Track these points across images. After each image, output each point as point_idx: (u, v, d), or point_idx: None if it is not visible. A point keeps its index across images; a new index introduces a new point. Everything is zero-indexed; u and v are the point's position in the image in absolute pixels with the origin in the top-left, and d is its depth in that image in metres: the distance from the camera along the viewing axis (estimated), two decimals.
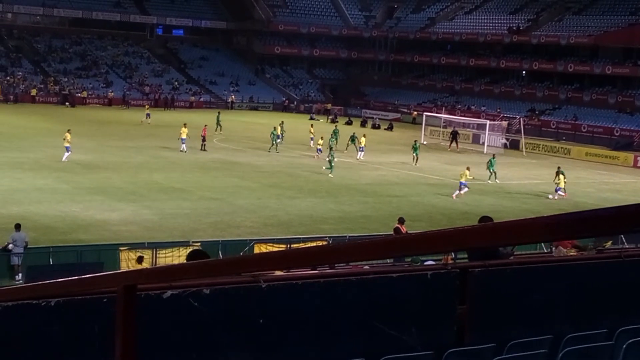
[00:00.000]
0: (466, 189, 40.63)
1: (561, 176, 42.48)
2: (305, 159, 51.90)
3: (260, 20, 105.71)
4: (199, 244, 25.69)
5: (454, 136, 65.53)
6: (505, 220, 2.23)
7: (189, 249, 24.78)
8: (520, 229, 2.16)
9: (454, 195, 40.29)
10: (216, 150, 53.24)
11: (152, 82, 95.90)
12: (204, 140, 52.49)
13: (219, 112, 68.42)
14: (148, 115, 68.82)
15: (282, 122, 61.31)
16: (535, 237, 2.18)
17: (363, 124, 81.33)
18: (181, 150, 49.81)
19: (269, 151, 53.38)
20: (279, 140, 56.89)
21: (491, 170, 46.09)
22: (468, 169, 41.36)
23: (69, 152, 44.48)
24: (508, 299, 6.28)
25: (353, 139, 55.07)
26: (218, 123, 63.92)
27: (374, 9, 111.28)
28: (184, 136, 50.60)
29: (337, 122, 77.75)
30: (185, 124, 52.07)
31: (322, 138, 52.89)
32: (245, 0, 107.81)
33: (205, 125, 53.78)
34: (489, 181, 45.46)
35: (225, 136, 61.39)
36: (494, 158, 47.37)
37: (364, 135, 55.59)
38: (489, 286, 6.18)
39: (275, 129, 54.95)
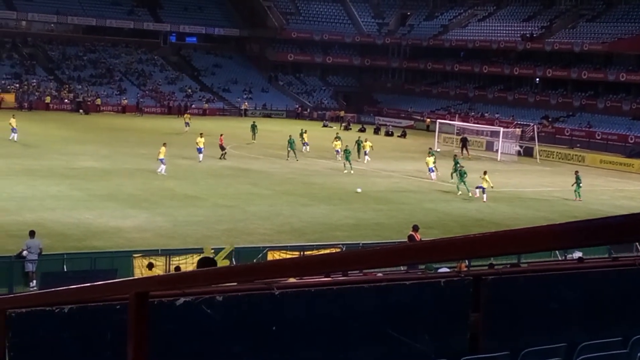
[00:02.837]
0: (477, 191, 41.28)
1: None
2: (319, 166, 51.88)
3: (273, 28, 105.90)
4: (212, 251, 25.71)
5: (464, 143, 65.42)
6: (518, 228, 2.22)
7: (202, 256, 24.84)
8: (533, 236, 2.15)
9: (476, 194, 40.93)
10: (229, 158, 53.25)
11: (165, 90, 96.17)
12: (222, 149, 52.35)
13: (254, 122, 68.02)
14: (187, 124, 68.61)
15: (305, 130, 61.03)
16: (548, 244, 2.17)
17: (376, 131, 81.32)
18: (200, 161, 49.59)
19: (288, 158, 53.33)
20: (307, 148, 57.14)
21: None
22: (485, 173, 41.66)
23: (164, 165, 44.25)
24: (522, 307, 6.26)
25: (359, 144, 55.43)
26: (254, 132, 63.94)
27: (387, 16, 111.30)
28: (200, 145, 50.37)
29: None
30: (201, 134, 51.89)
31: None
32: (258, 7, 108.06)
33: (222, 135, 53.75)
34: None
35: (238, 143, 61.47)
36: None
37: (366, 140, 55.94)
38: (503, 293, 6.16)
39: (291, 136, 54.90)
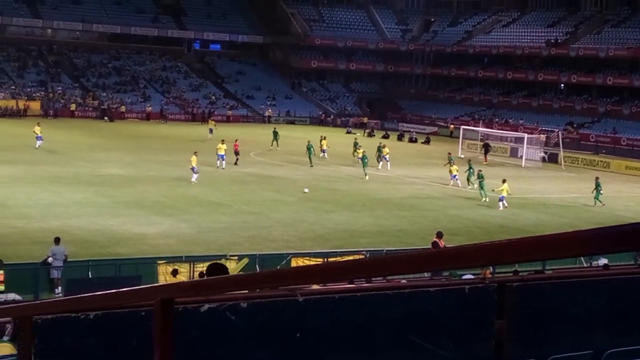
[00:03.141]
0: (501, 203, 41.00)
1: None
2: (342, 173, 51.85)
3: (296, 35, 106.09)
4: (236, 257, 25.78)
5: (486, 149, 65.25)
6: (543, 234, 2.22)
7: (226, 263, 24.90)
8: (558, 242, 2.14)
9: (500, 207, 40.73)
10: (253, 164, 53.41)
11: (189, 97, 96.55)
12: (237, 154, 52.53)
13: (275, 128, 68.25)
14: (211, 130, 68.81)
15: (325, 137, 61.07)
16: (573, 251, 2.16)
17: (400, 138, 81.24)
18: (218, 167, 49.68)
19: (312, 165, 53.32)
20: (325, 155, 57.31)
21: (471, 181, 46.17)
22: (504, 182, 41.43)
23: (197, 174, 44.17)
24: (547, 314, 6.22)
25: (379, 150, 55.45)
26: (275, 138, 64.11)
27: (411, 23, 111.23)
28: (221, 152, 50.54)
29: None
30: (223, 140, 52.05)
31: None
32: (282, 14, 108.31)
33: (237, 140, 53.94)
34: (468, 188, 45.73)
35: (261, 150, 61.60)
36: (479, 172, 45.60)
37: (384, 146, 56.11)
38: (528, 300, 6.13)
39: (309, 142, 54.95)
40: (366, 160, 50.12)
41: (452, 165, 48.74)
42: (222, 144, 50.98)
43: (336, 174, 51.42)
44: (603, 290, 6.62)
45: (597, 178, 44.65)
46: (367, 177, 48.89)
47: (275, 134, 64.92)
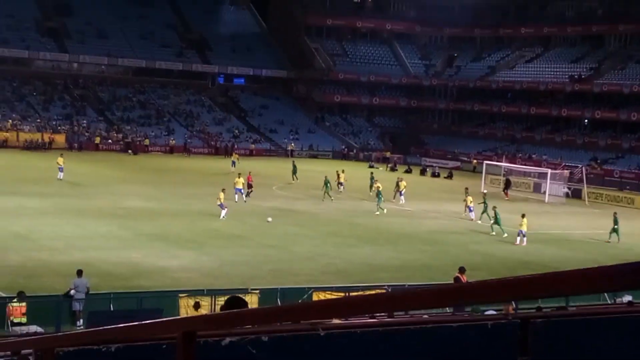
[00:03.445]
0: (521, 237, 40.69)
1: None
2: (363, 206, 51.78)
3: (320, 69, 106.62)
4: (257, 291, 25.74)
5: (507, 184, 65.04)
6: (566, 270, 2.21)
7: (248, 297, 24.86)
8: (581, 277, 2.13)
9: (516, 243, 40.38)
10: (275, 198, 53.46)
11: (212, 130, 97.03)
12: (249, 187, 52.50)
13: (293, 161, 68.56)
14: (234, 163, 69.05)
15: (343, 170, 61.17)
16: (598, 286, 2.15)
17: (423, 172, 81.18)
18: (237, 201, 49.45)
19: (323, 200, 53.24)
20: (341, 188, 57.32)
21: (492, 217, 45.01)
22: (523, 216, 41.16)
23: (225, 209, 43.76)
24: (572, 352, 6.17)
25: (397, 184, 55.39)
26: (294, 172, 64.28)
27: (434, 58, 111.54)
28: (239, 186, 50.52)
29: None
30: (240, 174, 52.11)
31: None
32: (305, 49, 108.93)
33: (250, 172, 54.30)
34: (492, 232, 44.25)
35: (283, 184, 61.69)
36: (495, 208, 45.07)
37: (402, 180, 56.03)
38: (552, 338, 6.08)
39: (326, 177, 54.94)
40: (381, 196, 49.87)
41: (467, 197, 48.85)
42: (239, 177, 51.06)
43: (358, 208, 51.34)
44: (627, 327, 6.55)
45: (615, 213, 44.39)
46: (378, 212, 48.56)
47: (295, 167, 65.10)
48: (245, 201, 50.01)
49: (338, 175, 59.50)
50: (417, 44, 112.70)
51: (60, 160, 57.56)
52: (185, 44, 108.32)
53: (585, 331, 6.37)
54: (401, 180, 56.05)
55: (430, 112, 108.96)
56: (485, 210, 46.54)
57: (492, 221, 43.93)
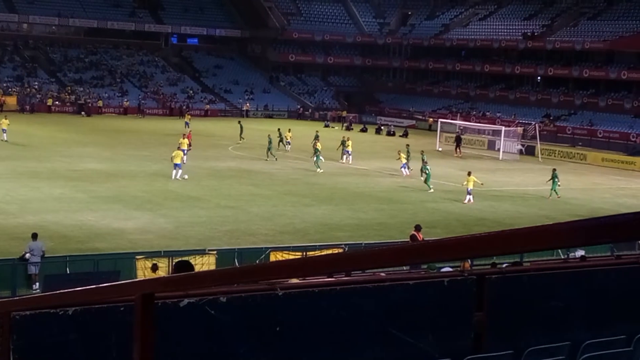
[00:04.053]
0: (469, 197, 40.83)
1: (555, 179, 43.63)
2: (323, 166, 51.85)
3: (274, 29, 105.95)
4: (215, 252, 25.75)
5: (458, 141, 65.34)
6: (522, 227, 2.23)
7: (205, 258, 24.88)
8: (537, 235, 2.16)
9: (464, 201, 40.55)
10: (231, 159, 53.31)
11: (167, 91, 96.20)
12: (189, 146, 51.63)
13: (239, 121, 68.11)
14: (187, 124, 68.41)
15: (289, 129, 60.98)
16: (552, 243, 2.18)
17: (378, 131, 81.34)
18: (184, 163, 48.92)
19: (267, 159, 53.16)
20: (288, 147, 57.28)
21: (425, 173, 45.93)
22: (469, 174, 41.26)
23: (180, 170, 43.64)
24: (525, 305, 6.26)
25: (343, 143, 55.44)
26: (241, 132, 63.89)
27: (388, 16, 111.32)
28: (184, 147, 49.53)
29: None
30: (184, 135, 51.41)
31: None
32: (259, 8, 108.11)
33: (190, 130, 55.61)
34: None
35: (240, 144, 61.47)
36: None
37: (348, 139, 56.07)
38: (506, 292, 6.16)
39: (269, 136, 54.84)
40: (319, 155, 49.96)
41: (401, 154, 49.36)
42: (184, 138, 50.41)
43: (312, 167, 51.34)
44: (581, 282, 6.66)
45: (554, 170, 44.78)
46: (321, 170, 48.78)
47: (241, 127, 64.83)
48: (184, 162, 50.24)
49: (280, 134, 59.25)
50: (371, 2, 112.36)
51: (5, 122, 58.10)
52: (138, 4, 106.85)
53: (539, 286, 6.47)
54: (347, 139, 55.97)
55: (384, 71, 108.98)
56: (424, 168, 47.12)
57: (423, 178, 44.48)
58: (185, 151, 48.78)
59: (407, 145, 53.54)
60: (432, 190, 43.22)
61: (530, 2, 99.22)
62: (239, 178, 45.46)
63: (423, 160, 47.13)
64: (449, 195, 43.02)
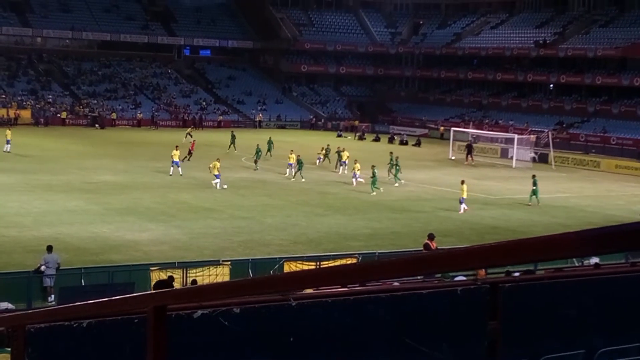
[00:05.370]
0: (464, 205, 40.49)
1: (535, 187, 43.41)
2: (333, 177, 51.84)
3: (286, 39, 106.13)
4: (229, 262, 25.77)
5: (469, 149, 65.28)
6: (535, 236, 2.23)
7: (220, 268, 24.91)
8: (550, 244, 2.15)
9: (460, 212, 40.17)
10: (244, 169, 53.40)
11: (180, 103, 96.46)
12: (189, 153, 54.23)
13: (232, 132, 69.00)
14: (190, 135, 68.56)
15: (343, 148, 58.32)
16: (566, 252, 2.17)
17: (391, 140, 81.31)
18: (171, 174, 49.13)
19: (256, 169, 53.41)
20: (320, 161, 57.28)
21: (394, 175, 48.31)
22: (463, 183, 41.01)
23: (219, 180, 44.74)
24: (540, 314, 6.24)
25: (339, 154, 55.33)
26: (232, 142, 64.20)
27: (400, 26, 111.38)
28: (175, 159, 49.66)
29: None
30: (177, 146, 51.10)
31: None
32: (271, 19, 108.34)
33: (194, 140, 57.24)
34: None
35: (251, 155, 61.55)
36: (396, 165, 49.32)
37: (343, 150, 55.93)
38: (520, 301, 6.15)
39: (258, 145, 55.57)
40: (301, 164, 49.84)
41: (355, 164, 48.74)
42: (177, 150, 50.44)
43: (328, 178, 51.36)
44: (594, 290, 6.64)
45: (533, 176, 44.52)
46: (304, 180, 48.70)
47: (233, 137, 65.21)
48: (183, 161, 51.93)
49: (269, 144, 61.06)
50: (382, 12, 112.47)
51: (8, 133, 59.41)
52: (150, 17, 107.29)
53: (553, 294, 6.45)
54: (343, 151, 55.59)
55: (397, 80, 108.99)
56: (392, 167, 48.65)
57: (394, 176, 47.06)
58: (178, 163, 49.81)
59: (391, 152, 54.14)
60: (374, 193, 44.41)
61: (542, 10, 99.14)
62: (252, 189, 45.51)
63: (392, 163, 48.95)
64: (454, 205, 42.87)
